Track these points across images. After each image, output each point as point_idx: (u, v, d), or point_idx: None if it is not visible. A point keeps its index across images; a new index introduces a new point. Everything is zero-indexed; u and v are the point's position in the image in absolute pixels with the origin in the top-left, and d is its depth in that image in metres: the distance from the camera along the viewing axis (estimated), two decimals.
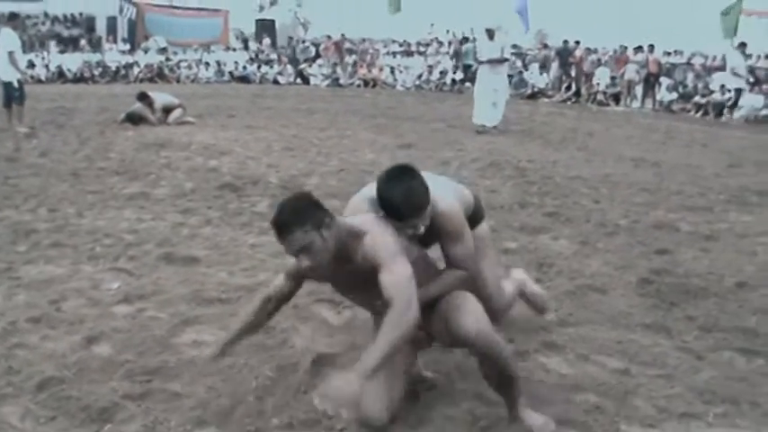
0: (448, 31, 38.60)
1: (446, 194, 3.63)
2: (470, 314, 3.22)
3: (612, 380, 4.05)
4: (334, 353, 4.31)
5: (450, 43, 35.78)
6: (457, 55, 33.04)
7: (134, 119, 14.63)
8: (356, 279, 3.35)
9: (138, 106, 14.86)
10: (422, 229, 3.38)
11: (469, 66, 30.27)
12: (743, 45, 22.31)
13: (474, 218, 3.96)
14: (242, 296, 5.22)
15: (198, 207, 7.84)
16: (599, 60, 29.97)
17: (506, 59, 16.61)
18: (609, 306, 5.23)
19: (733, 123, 20.70)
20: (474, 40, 30.84)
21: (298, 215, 3.17)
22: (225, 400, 3.73)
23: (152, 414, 3.57)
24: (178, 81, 29.57)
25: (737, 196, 9.49)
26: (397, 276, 3.14)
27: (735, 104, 22.28)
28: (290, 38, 41.60)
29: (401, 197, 3.30)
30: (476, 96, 16.13)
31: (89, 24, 37.83)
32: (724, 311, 5.23)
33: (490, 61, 15.68)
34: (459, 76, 30.80)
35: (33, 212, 7.52)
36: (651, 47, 27.17)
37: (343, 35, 36.60)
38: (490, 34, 15.88)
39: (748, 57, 23.04)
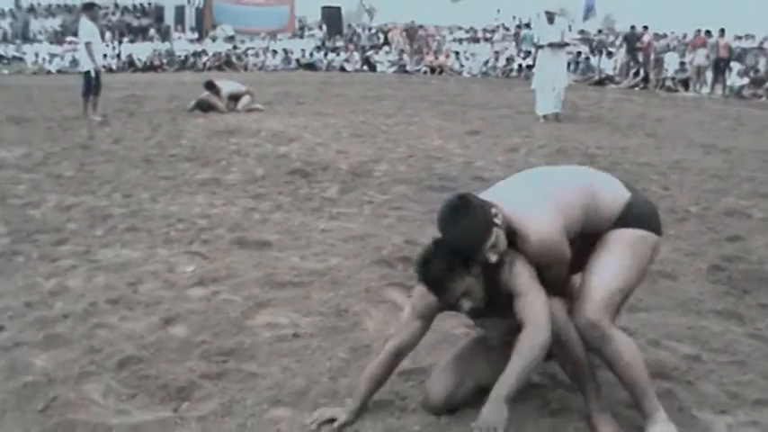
0: (514, 17, 38.51)
1: (539, 212, 3.27)
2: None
3: (683, 365, 4.05)
4: None
5: (516, 28, 35.69)
6: (516, 40, 33.02)
7: (203, 107, 14.86)
8: (492, 303, 3.34)
9: (205, 94, 15.09)
10: (494, 258, 3.19)
11: (529, 52, 30.40)
12: None
13: (621, 221, 3.40)
14: (314, 280, 5.30)
15: (269, 193, 7.95)
16: (667, 46, 29.64)
17: (566, 44, 16.16)
18: (679, 292, 5.22)
19: None
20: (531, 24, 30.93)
21: (450, 271, 3.18)
22: (300, 380, 3.80)
23: (228, 393, 3.66)
24: (246, 69, 29.86)
25: None
26: (535, 304, 3.16)
27: None
28: (351, 25, 41.77)
29: (455, 239, 3.20)
30: (535, 85, 15.64)
31: (158, 14, 38.42)
32: None
33: (551, 45, 15.17)
34: (529, 62, 30.62)
35: (108, 197, 7.70)
36: (721, 31, 26.79)
37: (413, 21, 36.56)
38: (550, 17, 15.34)
39: None
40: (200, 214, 7.04)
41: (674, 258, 5.97)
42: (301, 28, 41.13)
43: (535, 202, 3.30)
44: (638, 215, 3.41)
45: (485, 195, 3.40)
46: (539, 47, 15.88)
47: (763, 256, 6.11)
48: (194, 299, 4.94)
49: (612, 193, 3.43)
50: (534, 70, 16.43)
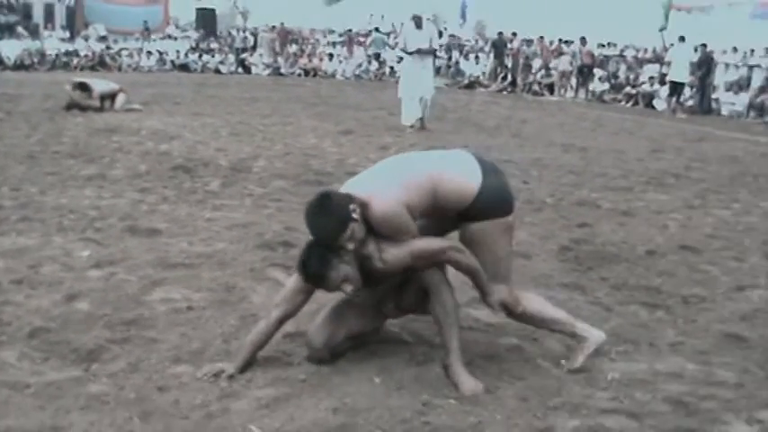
0: (383, 17, 39.43)
1: (380, 192, 3.75)
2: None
3: (531, 327, 4.69)
4: None
5: (388, 34, 36.53)
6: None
7: (77, 107, 14.77)
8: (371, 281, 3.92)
9: (77, 95, 14.97)
10: (351, 246, 3.71)
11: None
12: (683, 39, 22.90)
13: (473, 213, 3.92)
14: (203, 262, 5.76)
15: (154, 187, 8.31)
16: (534, 52, 30.86)
17: (434, 50, 15.30)
18: (532, 269, 5.91)
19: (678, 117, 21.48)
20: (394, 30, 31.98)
21: (325, 263, 3.72)
22: (196, 343, 4.30)
23: (134, 354, 4.12)
24: (120, 69, 29.70)
25: (656, 178, 10.30)
26: (432, 249, 3.82)
27: (678, 97, 22.96)
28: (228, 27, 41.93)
29: (315, 233, 3.76)
30: (401, 94, 14.77)
31: (26, 11, 37.51)
32: (633, 274, 5.96)
33: (418, 52, 14.25)
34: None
35: None
36: (583, 39, 28.04)
37: (282, 24, 36.92)
38: (417, 22, 14.41)
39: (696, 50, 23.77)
40: (90, 206, 7.34)
41: (528, 241, 6.67)
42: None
43: (382, 184, 3.83)
44: (488, 204, 3.94)
45: (348, 186, 3.96)
46: (407, 53, 14.74)
47: (606, 240, 6.87)
48: (93, 279, 5.32)
49: (464, 181, 3.92)
50: (400, 77, 15.77)
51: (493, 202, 3.96)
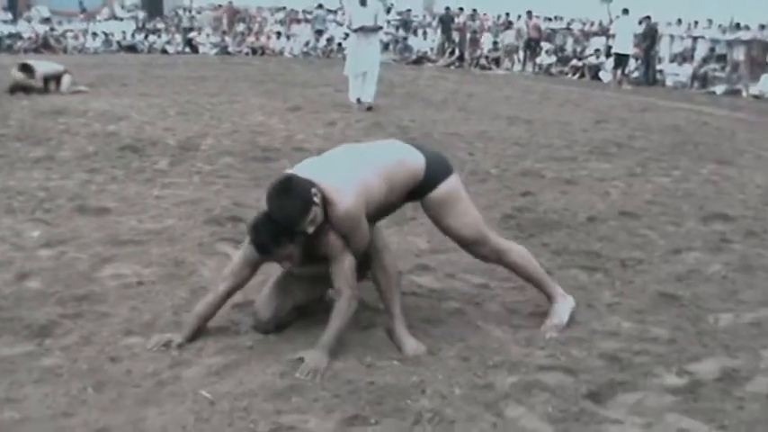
0: None
1: (345, 191, 3.87)
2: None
3: (473, 291, 4.89)
4: None
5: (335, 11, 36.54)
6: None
7: (21, 89, 14.66)
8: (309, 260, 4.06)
9: (20, 76, 14.81)
10: (311, 230, 3.83)
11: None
12: (626, 11, 23.20)
13: (429, 183, 4.19)
14: (152, 238, 5.85)
15: (102, 167, 8.33)
16: (481, 26, 31.07)
17: (380, 27, 14.67)
18: None
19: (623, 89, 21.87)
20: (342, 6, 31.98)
21: (275, 241, 3.85)
22: (147, 315, 4.41)
23: (86, 328, 4.22)
24: (65, 51, 29.35)
25: (599, 147, 10.53)
26: (346, 269, 3.94)
27: (623, 69, 23.27)
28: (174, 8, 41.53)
29: (278, 214, 3.83)
30: (348, 72, 14.42)
31: None
32: (574, 239, 6.16)
33: (362, 29, 13.82)
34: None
35: None
36: (528, 13, 28.33)
37: (230, 2, 36.69)
38: None
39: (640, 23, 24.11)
40: (39, 187, 7.36)
41: None
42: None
43: (345, 179, 3.95)
44: (436, 172, 4.22)
45: (302, 167, 4.09)
46: (353, 30, 14.25)
47: (548, 207, 7.06)
48: (44, 258, 5.38)
49: (412, 161, 4.19)
50: (347, 54, 15.24)
51: (439, 167, 4.27)
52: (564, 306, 4.41)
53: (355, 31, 14.08)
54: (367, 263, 4.08)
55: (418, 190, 4.19)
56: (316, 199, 3.80)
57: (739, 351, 4.15)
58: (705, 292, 5.09)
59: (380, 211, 4.17)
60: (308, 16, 36.35)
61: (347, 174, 3.98)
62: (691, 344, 4.21)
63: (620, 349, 4.10)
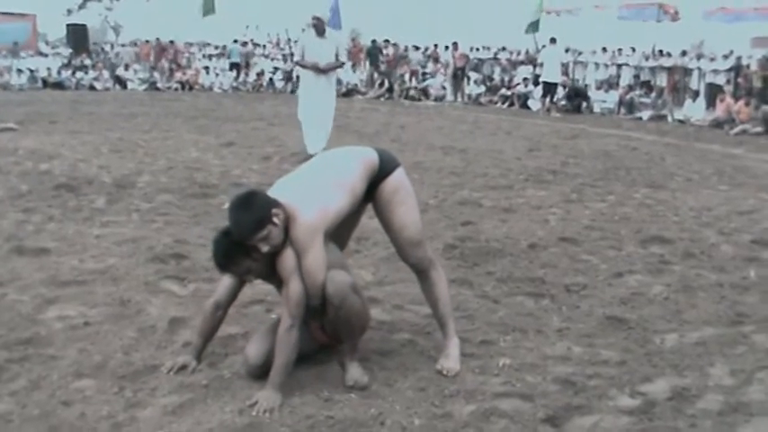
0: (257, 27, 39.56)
1: (308, 208, 3.92)
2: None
3: (423, 322, 4.90)
4: (185, 316, 4.97)
5: (264, 46, 36.68)
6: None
7: None
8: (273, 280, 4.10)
9: None
10: (265, 249, 3.85)
11: (236, 63, 33.19)
12: (554, 40, 23.70)
13: (383, 171, 4.25)
14: (96, 278, 5.75)
15: (38, 206, 8.18)
16: (407, 57, 31.39)
17: (342, 64, 12.57)
18: None
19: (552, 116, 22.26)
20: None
21: (228, 257, 3.91)
22: (97, 357, 4.33)
23: (34, 372, 4.13)
24: None
25: (534, 175, 10.68)
26: (291, 293, 3.89)
27: (552, 98, 23.70)
28: (96, 43, 41.26)
29: (232, 227, 3.88)
30: (302, 116, 12.15)
31: None
32: (517, 267, 6.23)
33: (318, 69, 11.61)
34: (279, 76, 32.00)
35: None
36: (455, 44, 28.72)
37: (158, 39, 36.53)
38: (319, 28, 11.62)
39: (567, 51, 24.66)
40: None
41: None
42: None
43: (309, 197, 3.98)
44: (389, 159, 4.33)
45: (275, 190, 4.11)
46: (303, 66, 12.02)
47: (490, 236, 7.12)
48: None
49: (366, 157, 4.26)
50: (299, 96, 12.54)
51: (390, 156, 4.38)
52: (457, 349, 4.35)
53: (312, 69, 11.71)
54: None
55: (375, 181, 4.22)
56: (275, 219, 3.82)
57: (687, 370, 4.25)
58: (650, 313, 5.20)
59: (345, 220, 4.22)
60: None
61: (313, 193, 4.02)
62: (641, 365, 4.30)
63: (573, 373, 4.16)
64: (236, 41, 35.42)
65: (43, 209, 8.10)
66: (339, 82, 30.30)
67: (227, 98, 27.18)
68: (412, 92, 28.91)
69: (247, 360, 4.08)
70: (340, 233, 4.33)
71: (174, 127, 16.48)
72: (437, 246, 6.69)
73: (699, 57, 26.35)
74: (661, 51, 26.76)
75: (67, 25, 41.64)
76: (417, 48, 33.23)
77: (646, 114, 22.49)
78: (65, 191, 9.00)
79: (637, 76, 26.01)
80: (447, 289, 4.48)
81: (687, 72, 25.98)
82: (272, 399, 3.74)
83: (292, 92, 30.35)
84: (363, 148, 4.39)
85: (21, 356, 4.33)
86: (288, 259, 3.91)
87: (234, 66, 33.51)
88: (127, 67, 33.64)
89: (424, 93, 28.82)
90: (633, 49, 27.24)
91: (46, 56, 36.23)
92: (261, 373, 3.99)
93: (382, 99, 28.51)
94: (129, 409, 3.72)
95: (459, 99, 28.08)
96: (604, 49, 28.03)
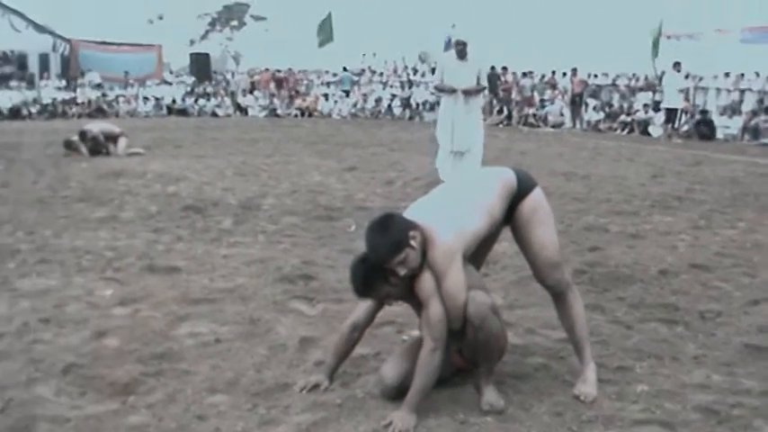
0: (374, 55, 39.94)
1: (445, 231, 3.87)
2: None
3: (557, 346, 4.80)
4: (315, 336, 4.98)
5: (381, 73, 37.01)
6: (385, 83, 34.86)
7: (71, 147, 14.95)
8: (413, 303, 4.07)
9: (75, 138, 15.13)
10: (403, 272, 3.81)
11: (347, 92, 34.06)
12: (678, 65, 23.29)
13: (521, 192, 4.17)
14: (225, 297, 5.83)
15: (167, 227, 8.38)
16: (526, 85, 31.16)
17: (484, 88, 11.74)
18: (547, 292, 5.95)
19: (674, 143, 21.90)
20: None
21: (366, 284, 3.89)
22: (229, 373, 4.37)
23: (169, 386, 4.19)
24: (117, 116, 29.78)
25: (660, 201, 10.42)
26: (431, 316, 3.84)
27: (673, 123, 23.34)
28: (217, 72, 42.22)
29: (369, 250, 3.85)
30: (440, 141, 11.58)
31: (21, 61, 37.68)
32: (649, 293, 6.07)
33: (465, 92, 11.06)
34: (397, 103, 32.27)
35: (12, 235, 7.92)
36: (574, 70, 28.39)
37: (278, 69, 37.23)
38: (461, 51, 11.04)
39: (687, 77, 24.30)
40: (106, 247, 7.41)
41: None
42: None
43: (448, 220, 3.93)
44: (527, 179, 4.26)
45: (411, 211, 4.08)
46: (442, 90, 11.48)
47: (619, 262, 6.96)
48: (118, 316, 5.38)
49: (504, 177, 4.19)
50: (438, 124, 11.83)
51: (527, 176, 4.31)
52: (594, 374, 4.23)
53: (450, 92, 11.19)
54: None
55: (514, 201, 4.15)
56: (413, 242, 3.77)
57: None
58: None
59: (481, 242, 4.16)
60: (354, 78, 36.76)
61: (451, 215, 3.96)
62: None
63: (715, 402, 4.00)
64: (345, 69, 35.84)
65: (172, 229, 8.28)
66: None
67: (346, 124, 27.45)
68: (530, 119, 28.71)
69: (383, 380, 4.04)
70: (476, 256, 4.27)
71: (295, 152, 16.69)
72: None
73: None
74: None
75: (191, 54, 42.73)
76: (526, 74, 32.90)
77: None
78: (192, 212, 9.19)
79: (760, 101, 25.28)
80: (584, 312, 4.37)
81: None
82: (407, 420, 3.70)
83: (410, 118, 30.60)
84: (500, 169, 4.32)
85: (155, 371, 4.40)
86: (427, 282, 3.86)
87: (345, 93, 34.11)
88: (245, 93, 34.32)
89: (543, 119, 28.60)
90: (757, 74, 26.49)
91: (170, 84, 37.19)
92: (396, 394, 3.95)
93: (500, 126, 28.36)
94: (262, 425, 3.74)
95: (578, 125, 27.79)
96: (727, 74, 27.35)
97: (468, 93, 11.09)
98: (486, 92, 30.50)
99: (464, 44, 10.99)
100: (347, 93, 34.20)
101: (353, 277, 3.90)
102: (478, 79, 11.14)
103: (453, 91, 11.09)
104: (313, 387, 4.12)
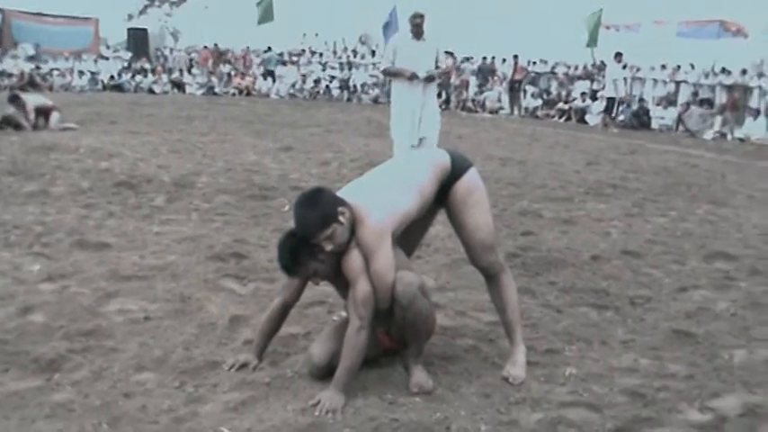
0: (316, 35, 39.78)
1: (376, 210, 3.85)
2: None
3: (487, 329, 4.83)
4: (245, 314, 4.95)
5: (321, 54, 36.85)
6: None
7: (11, 123, 14.59)
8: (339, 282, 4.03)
9: (12, 111, 14.75)
10: (329, 248, 3.80)
11: (271, 72, 33.51)
12: (619, 55, 23.50)
13: (456, 173, 4.15)
14: (156, 274, 5.76)
15: (98, 203, 8.24)
16: (464, 70, 31.29)
17: (445, 72, 11.38)
18: (479, 275, 5.97)
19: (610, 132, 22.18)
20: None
21: (293, 259, 3.86)
22: (157, 351, 4.32)
23: (95, 363, 4.13)
24: (51, 89, 29.23)
25: (594, 188, 10.52)
26: (358, 295, 3.82)
27: (611, 113, 23.64)
28: (159, 48, 41.70)
29: (297, 224, 3.84)
30: (396, 136, 10.12)
31: None
32: (580, 278, 6.12)
33: (427, 78, 9.46)
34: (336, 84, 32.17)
35: None
36: (515, 57, 28.54)
37: (216, 45, 36.91)
38: (416, 29, 9.40)
39: (624, 67, 24.59)
40: (35, 221, 7.27)
41: None
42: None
43: (379, 200, 3.93)
44: (461, 161, 4.24)
45: (344, 191, 4.07)
46: (394, 75, 9.88)
47: (551, 247, 7.02)
48: (46, 292, 5.28)
49: (440, 159, 4.19)
50: (392, 111, 10.26)
51: (462, 158, 4.29)
52: (523, 356, 4.25)
53: (411, 79, 9.49)
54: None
55: (448, 182, 4.14)
56: (341, 218, 3.77)
57: (758, 387, 4.12)
58: (717, 329, 5.06)
59: (415, 224, 4.18)
60: (293, 58, 36.55)
61: (382, 195, 3.97)
62: (709, 380, 4.18)
63: (641, 385, 4.06)
64: (269, 50, 35.54)
65: (103, 205, 8.16)
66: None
67: (284, 104, 27.28)
68: (469, 103, 28.83)
69: (311, 360, 4.03)
70: (411, 238, 4.28)
71: (231, 131, 16.52)
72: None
73: (760, 75, 25.87)
74: (723, 69, 26.32)
75: (128, 29, 42.07)
76: (468, 59, 32.97)
77: (709, 134, 22.10)
78: (125, 188, 9.06)
79: (695, 94, 25.63)
80: (516, 295, 4.40)
81: (748, 90, 25.54)
82: (335, 399, 3.68)
83: (348, 100, 30.51)
84: (435, 151, 4.38)
85: (82, 348, 4.34)
86: (355, 260, 3.85)
87: (269, 73, 33.84)
88: (182, 72, 33.96)
89: (481, 105, 28.72)
90: (692, 66, 26.86)
91: (106, 59, 36.64)
92: (324, 373, 3.94)
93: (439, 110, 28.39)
94: (190, 403, 3.70)
95: (516, 112, 27.95)
96: (663, 66, 27.67)
97: (430, 80, 9.60)
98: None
99: (422, 17, 9.31)
100: (271, 73, 33.92)
101: (281, 253, 3.88)
102: (437, 61, 9.61)
103: (414, 77, 9.44)
104: (242, 366, 4.09)
